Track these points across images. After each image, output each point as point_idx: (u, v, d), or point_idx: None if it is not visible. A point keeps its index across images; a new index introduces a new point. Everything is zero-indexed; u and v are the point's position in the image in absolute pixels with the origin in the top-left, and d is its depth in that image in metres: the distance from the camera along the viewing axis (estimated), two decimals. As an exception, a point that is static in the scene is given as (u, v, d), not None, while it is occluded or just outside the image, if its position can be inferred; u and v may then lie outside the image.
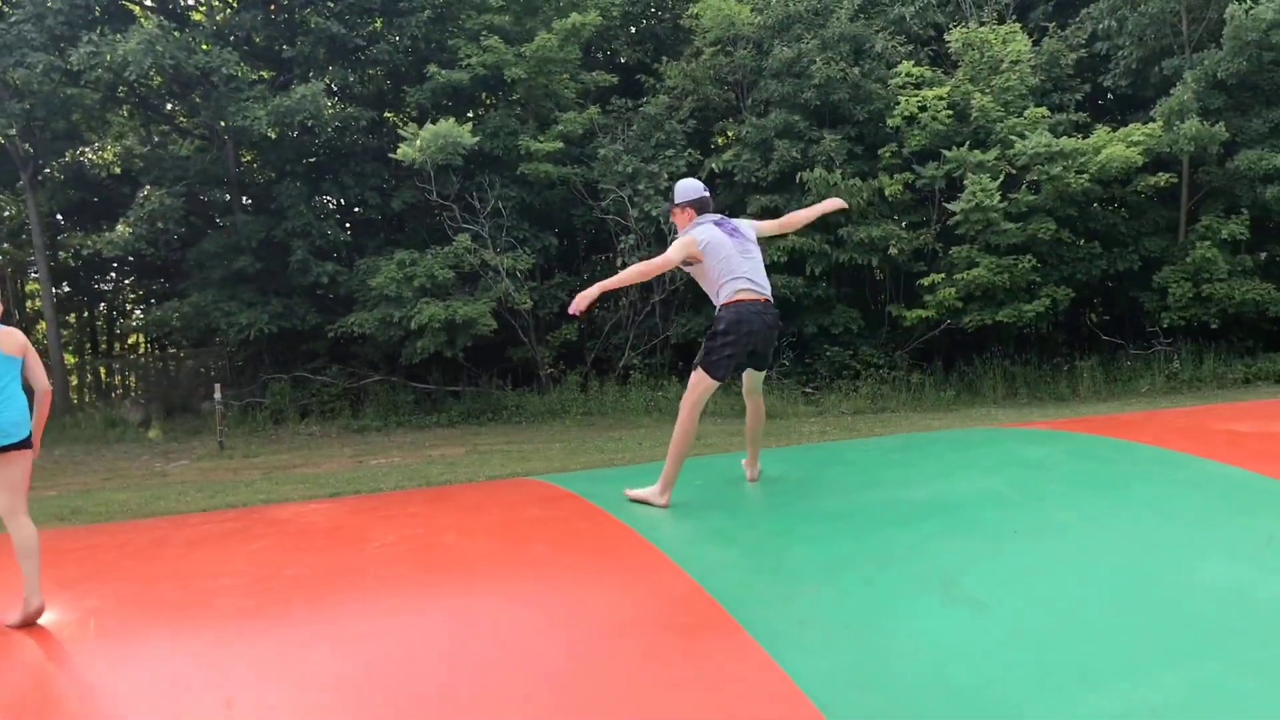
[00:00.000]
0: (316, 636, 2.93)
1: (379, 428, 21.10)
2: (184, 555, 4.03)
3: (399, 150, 19.58)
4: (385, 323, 19.93)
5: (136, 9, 23.10)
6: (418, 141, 19.39)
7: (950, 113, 19.74)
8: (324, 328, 21.40)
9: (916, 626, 3.40)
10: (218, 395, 20.08)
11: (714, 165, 21.11)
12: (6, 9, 21.47)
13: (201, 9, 24.82)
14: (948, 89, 19.84)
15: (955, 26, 20.90)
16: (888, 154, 20.33)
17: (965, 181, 19.23)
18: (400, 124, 22.51)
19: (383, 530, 4.45)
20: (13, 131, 21.60)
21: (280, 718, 2.39)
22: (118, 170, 24.96)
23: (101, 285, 29.38)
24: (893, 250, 20.01)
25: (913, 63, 20.35)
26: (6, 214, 26.54)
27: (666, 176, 20.31)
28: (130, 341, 31.22)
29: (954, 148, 19.54)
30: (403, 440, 19.49)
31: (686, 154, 21.09)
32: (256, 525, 5.01)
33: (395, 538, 4.27)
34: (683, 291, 20.97)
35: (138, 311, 30.02)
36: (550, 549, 4.27)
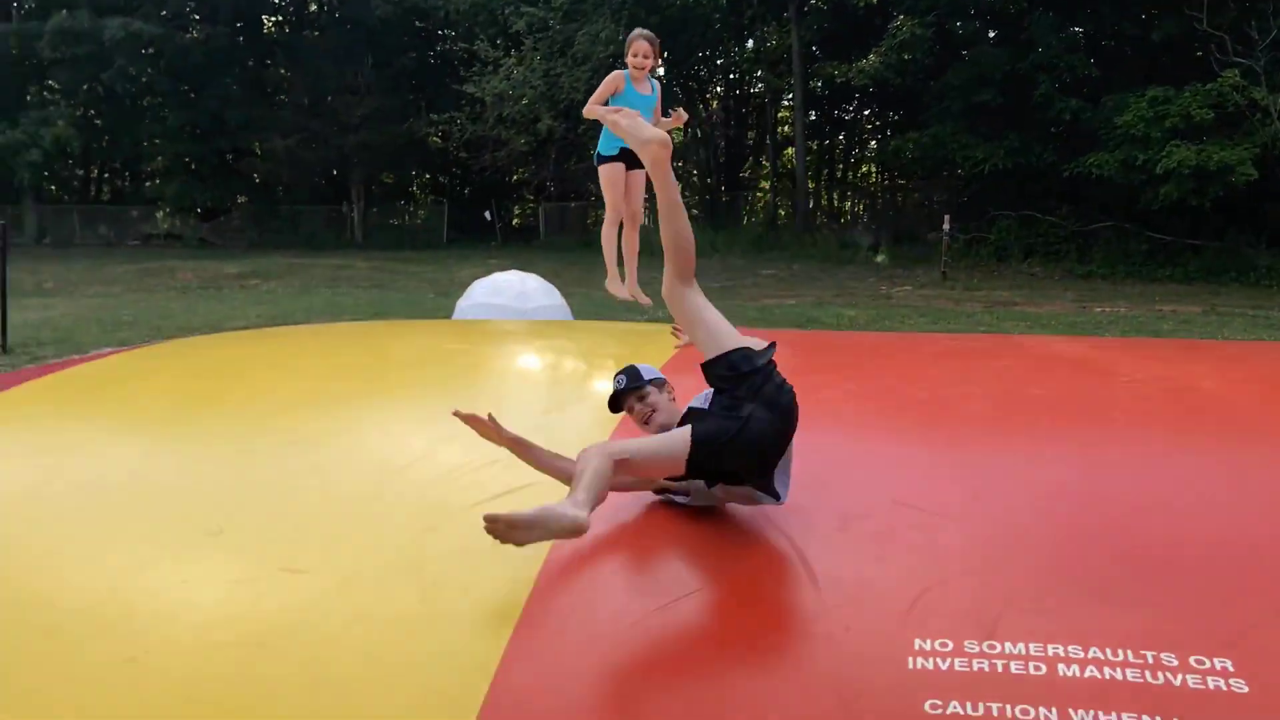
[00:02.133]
0: (1060, 454, 3.29)
1: (1105, 275, 22.32)
2: (931, 364, 4.70)
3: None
4: (1127, 165, 20.90)
5: None
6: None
7: None
8: (1059, 166, 23.16)
9: None
10: (946, 226, 23.35)
11: None
12: None
13: None
14: None
15: None
16: None
17: None
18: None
19: (1130, 367, 4.71)
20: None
21: (1019, 513, 2.83)
22: (874, 1, 29.22)
23: (844, 114, 34.90)
24: None
25: None
26: (770, 44, 32.84)
27: None
28: (863, 170, 36.73)
29: None
30: (1130, 291, 20.72)
31: None
32: (1000, 347, 5.60)
33: (1145, 376, 4.48)
34: None
35: (873, 142, 35.15)
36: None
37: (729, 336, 3.05)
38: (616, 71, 5.38)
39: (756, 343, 3.06)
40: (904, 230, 28.62)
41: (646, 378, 3.20)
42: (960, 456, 3.35)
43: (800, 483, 3.00)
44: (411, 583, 2.66)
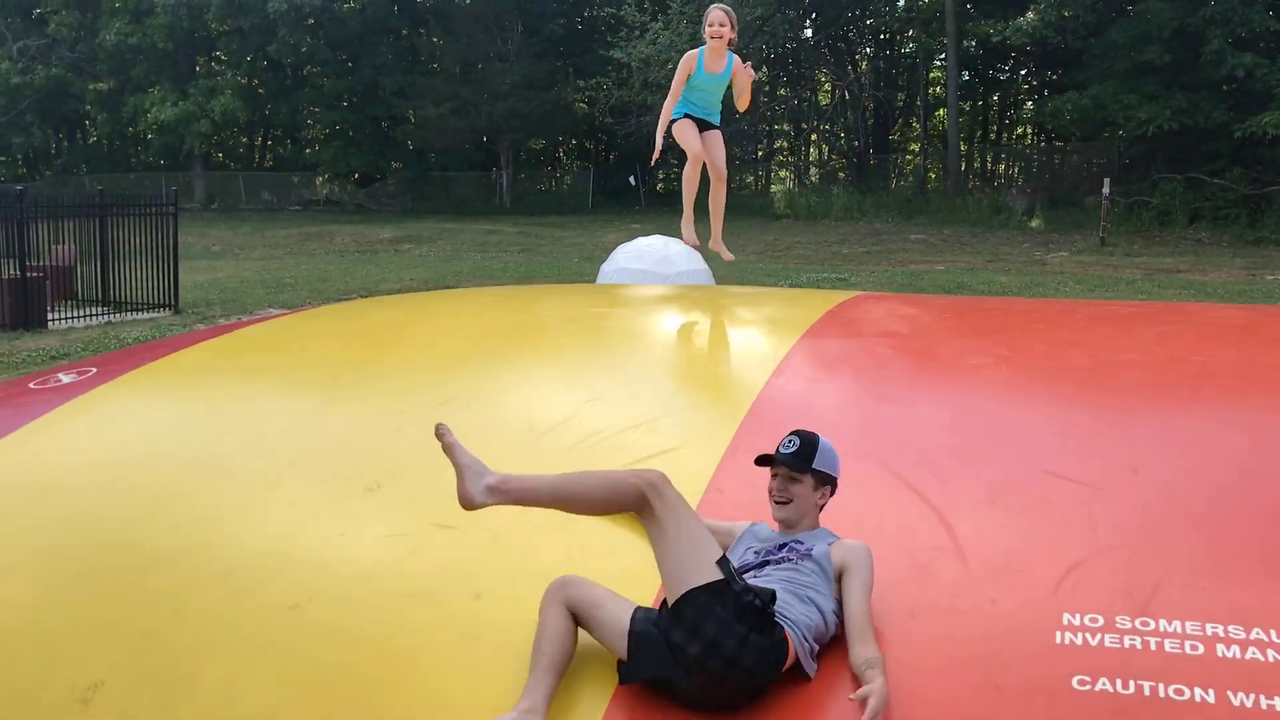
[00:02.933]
0: (1224, 424, 3.13)
1: (1278, 241, 21.68)
2: (1087, 329, 4.46)
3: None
4: None
5: None
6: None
7: None
8: (1230, 126, 22.07)
9: None
10: (1106, 190, 22.49)
11: None
12: None
13: None
14: None
15: None
16: None
17: None
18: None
19: None
20: (941, -79, 25.98)
21: (1179, 485, 2.72)
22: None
23: (999, 74, 33.70)
24: None
25: None
26: (922, 3, 31.92)
27: None
28: (1018, 132, 35.46)
29: None
30: None
31: None
32: (1161, 313, 5.38)
33: None
34: None
35: (1029, 103, 33.86)
36: None
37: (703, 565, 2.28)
38: (689, 52, 5.50)
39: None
40: (1060, 194, 27.61)
41: (816, 464, 2.61)
42: (1117, 426, 3.20)
43: (949, 452, 2.95)
44: (559, 543, 2.73)
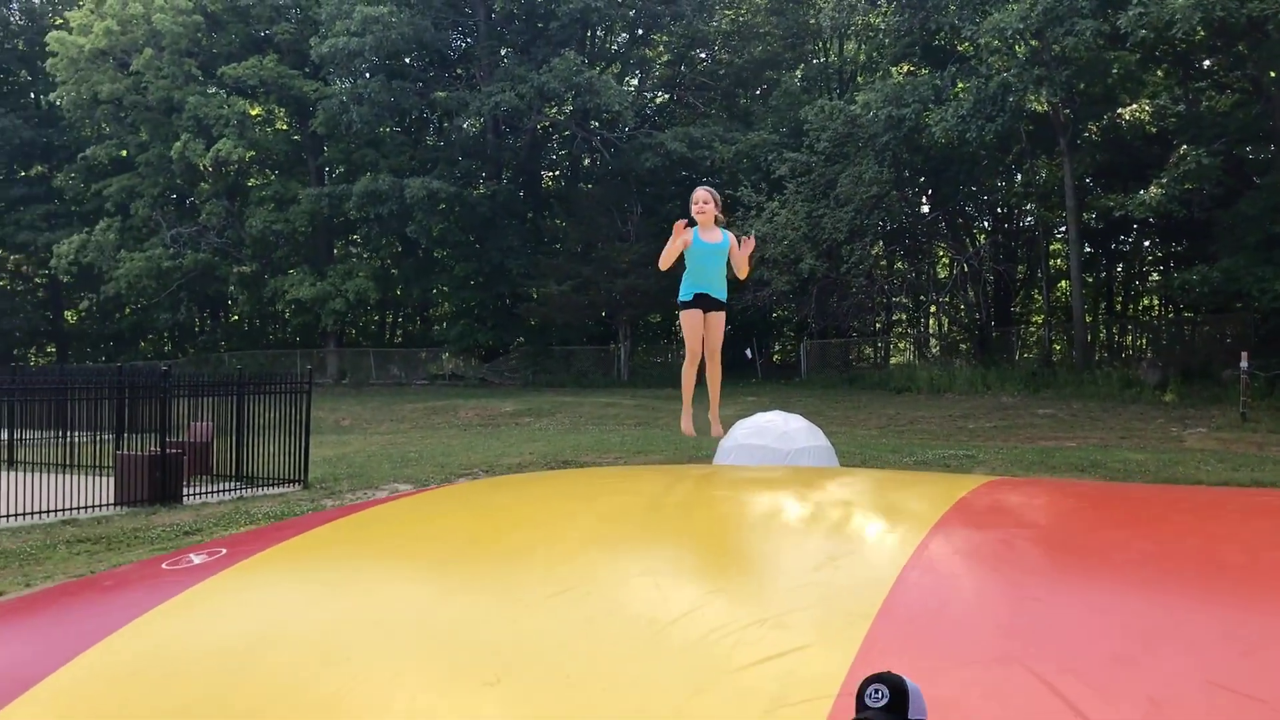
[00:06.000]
0: None
1: None
2: (1242, 522, 4.16)
3: None
4: None
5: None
6: None
7: None
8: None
9: None
10: (1244, 364, 21.75)
11: None
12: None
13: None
14: None
15: None
16: None
17: None
18: None
19: None
20: (1056, 99, 26.34)
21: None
22: (1152, 130, 28.26)
23: (1122, 246, 33.35)
24: None
25: None
26: (1040, 177, 32.06)
27: None
28: (1144, 304, 34.78)
29: None
30: None
31: None
32: None
33: None
34: None
35: (1154, 274, 33.34)
36: None
37: None
38: (682, 221, 5.98)
39: None
40: (1194, 367, 26.74)
41: (911, 714, 2.29)
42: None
43: (1101, 660, 2.75)
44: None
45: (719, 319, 6.09)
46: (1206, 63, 26.75)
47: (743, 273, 6.31)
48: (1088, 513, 4.47)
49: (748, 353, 36.11)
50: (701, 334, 6.04)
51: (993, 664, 2.63)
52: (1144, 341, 32.33)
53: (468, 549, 4.31)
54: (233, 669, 3.34)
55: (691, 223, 6.04)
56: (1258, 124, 23.93)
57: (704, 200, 5.96)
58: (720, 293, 6.12)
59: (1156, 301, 33.98)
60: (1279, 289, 22.08)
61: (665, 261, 5.98)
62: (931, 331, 38.20)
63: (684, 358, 6.30)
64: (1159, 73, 27.57)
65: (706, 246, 5.99)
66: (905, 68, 32.13)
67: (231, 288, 40.01)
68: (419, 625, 3.57)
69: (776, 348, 39.91)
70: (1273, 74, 22.50)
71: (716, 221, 6.07)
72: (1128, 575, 3.47)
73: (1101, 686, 2.66)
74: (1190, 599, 3.30)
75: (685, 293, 6.06)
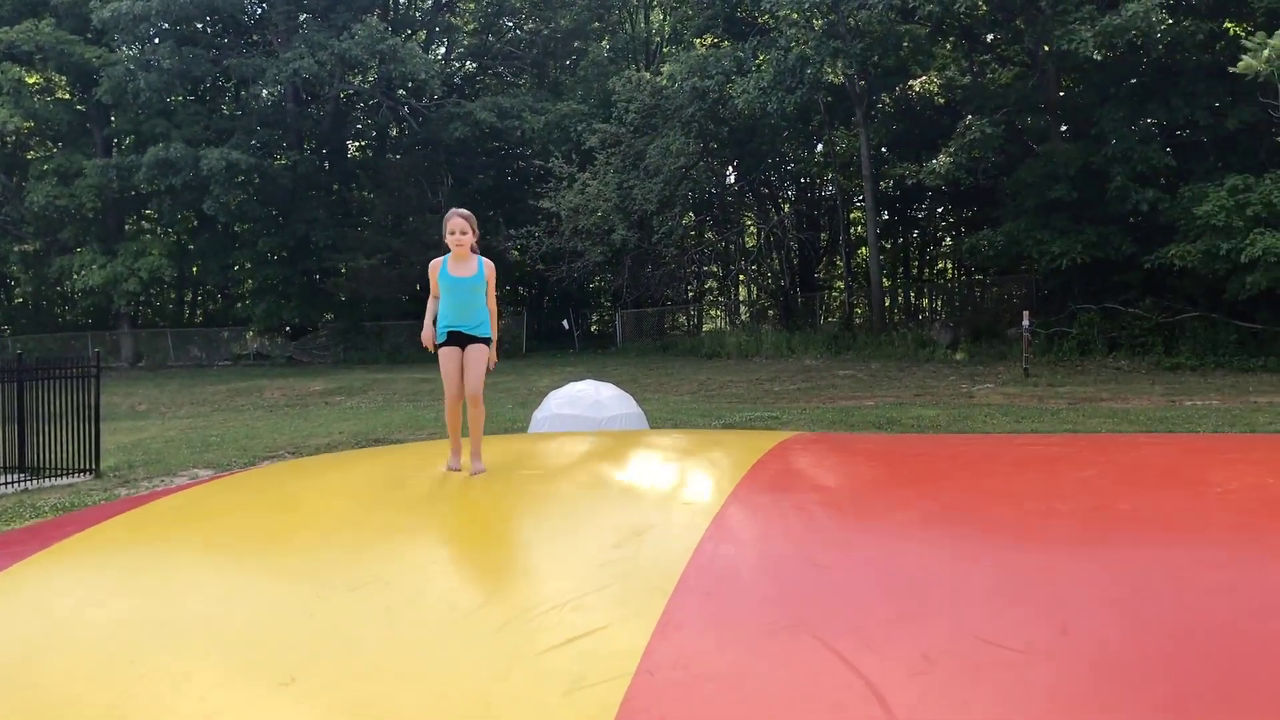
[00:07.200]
0: (1155, 580, 3.04)
1: (1194, 367, 21.93)
2: (1014, 475, 4.42)
3: (1240, 64, 20.30)
4: (1209, 255, 20.82)
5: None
6: (1265, 52, 19.86)
7: None
8: (1139, 258, 23.02)
9: None
10: (1026, 322, 23.07)
11: None
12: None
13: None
14: None
15: None
16: None
17: None
18: (1243, 34, 22.95)
19: (1223, 474, 4.34)
20: (851, 71, 27.31)
21: (1113, 648, 2.63)
22: (941, 101, 29.64)
23: (916, 213, 34.98)
24: None
25: None
26: (839, 147, 33.22)
27: None
28: (938, 267, 36.59)
29: None
30: (1221, 382, 20.26)
31: None
32: (1085, 453, 5.20)
33: (1239, 485, 4.13)
34: None
35: (947, 239, 35.13)
36: None
37: None
38: (435, 260, 5.42)
39: None
40: (983, 326, 28.36)
41: None
42: (1048, 585, 3.14)
43: (879, 619, 2.87)
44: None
45: (479, 353, 5.44)
46: (989, 37, 28.16)
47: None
48: (877, 469, 4.67)
49: (565, 324, 36.17)
50: (458, 377, 5.44)
51: (780, 631, 2.72)
52: (940, 303, 34.04)
53: (263, 539, 4.15)
54: (2, 682, 3.12)
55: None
56: (1035, 95, 25.39)
57: (462, 230, 5.31)
58: (476, 328, 5.50)
59: (950, 265, 35.77)
60: (1055, 250, 23.55)
61: (428, 338, 5.42)
62: (741, 299, 39.14)
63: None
64: (947, 46, 28.87)
65: (458, 281, 5.41)
66: (709, 40, 32.58)
67: (14, 268, 37.35)
68: (210, 622, 3.41)
69: (595, 318, 40.09)
70: (1047, 48, 23.88)
71: (473, 249, 5.46)
72: (910, 537, 3.63)
73: (879, 646, 2.78)
74: (965, 557, 3.47)
75: (439, 332, 5.46)
